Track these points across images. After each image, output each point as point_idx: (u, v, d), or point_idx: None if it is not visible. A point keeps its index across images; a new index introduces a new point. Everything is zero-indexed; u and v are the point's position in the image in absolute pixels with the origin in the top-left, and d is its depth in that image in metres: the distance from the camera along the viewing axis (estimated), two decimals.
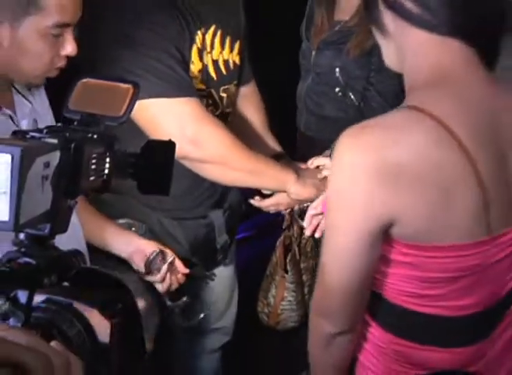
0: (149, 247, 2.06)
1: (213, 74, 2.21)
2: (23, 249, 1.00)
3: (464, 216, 1.28)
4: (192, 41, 2.12)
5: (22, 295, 1.00)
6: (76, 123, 1.07)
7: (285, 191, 2.18)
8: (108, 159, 1.05)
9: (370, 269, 1.32)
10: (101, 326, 1.03)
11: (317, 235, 2.07)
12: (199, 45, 2.14)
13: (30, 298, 0.99)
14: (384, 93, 2.40)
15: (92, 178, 1.03)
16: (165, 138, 1.05)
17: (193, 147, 2.02)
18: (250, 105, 2.43)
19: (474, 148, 1.27)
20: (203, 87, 2.19)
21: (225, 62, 2.24)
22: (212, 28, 2.18)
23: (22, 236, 1.00)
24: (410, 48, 1.33)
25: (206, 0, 2.16)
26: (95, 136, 1.05)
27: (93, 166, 1.02)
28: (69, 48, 1.67)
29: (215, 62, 2.21)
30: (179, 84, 2.04)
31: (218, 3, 2.21)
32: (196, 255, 2.26)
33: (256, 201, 2.26)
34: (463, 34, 1.31)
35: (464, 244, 1.30)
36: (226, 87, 2.25)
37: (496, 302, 1.42)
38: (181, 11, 2.09)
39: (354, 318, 1.36)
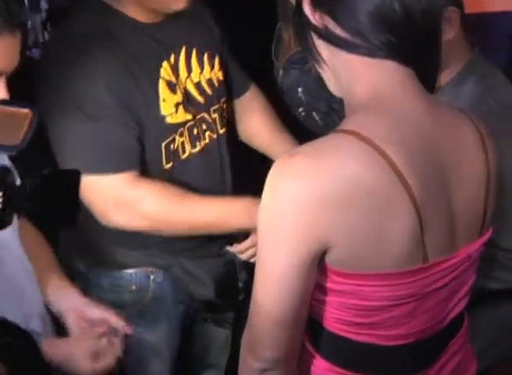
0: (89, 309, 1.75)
1: (199, 98, 2.04)
2: None
3: (398, 243, 1.21)
4: (155, 78, 1.94)
5: None
6: None
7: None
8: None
9: (303, 297, 1.23)
10: None
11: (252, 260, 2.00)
12: (167, 77, 1.96)
13: None
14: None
15: None
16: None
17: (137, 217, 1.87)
18: (253, 112, 2.26)
19: (410, 172, 1.20)
20: (189, 117, 2.00)
21: (208, 81, 2.06)
22: (183, 50, 2.00)
23: None
24: (345, 73, 1.28)
25: (168, 25, 1.97)
26: None
27: None
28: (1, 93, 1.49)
29: (198, 85, 2.04)
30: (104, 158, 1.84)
31: (185, 23, 2.00)
32: (220, 297, 2.11)
33: (233, 248, 2.10)
34: (397, 56, 1.24)
35: (399, 272, 1.22)
36: (216, 107, 2.08)
37: (436, 333, 1.34)
38: (130, 53, 1.90)
39: (285, 353, 1.28)
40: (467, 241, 1.30)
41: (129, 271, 2.05)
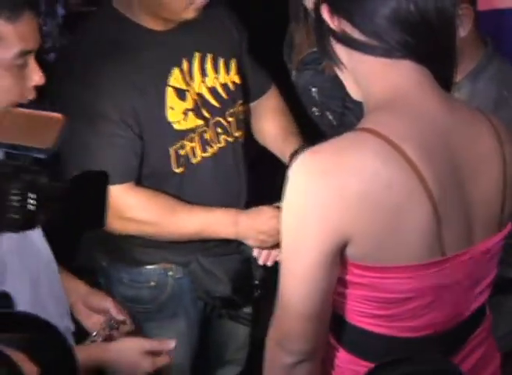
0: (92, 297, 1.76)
1: (214, 102, 2.03)
2: None
3: (415, 236, 1.22)
4: (162, 86, 1.95)
5: None
6: (1, 155, 0.99)
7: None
8: (31, 195, 0.96)
9: (328, 292, 1.25)
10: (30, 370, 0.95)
11: (269, 263, 2.02)
12: (176, 85, 1.96)
13: None
14: (362, 117, 2.26)
15: (16, 216, 0.95)
16: None
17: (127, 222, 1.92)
18: (267, 114, 2.24)
19: (425, 166, 1.21)
20: (200, 122, 2.00)
21: (223, 85, 2.05)
22: (197, 56, 2.00)
23: None
24: (364, 75, 1.30)
25: (181, 32, 1.97)
26: (16, 170, 0.96)
27: (14, 203, 0.94)
28: (36, 77, 1.50)
29: (213, 89, 2.03)
30: None
31: (199, 29, 1.99)
32: (236, 293, 2.10)
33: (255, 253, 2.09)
34: (413, 56, 1.24)
35: (417, 265, 1.24)
36: (231, 110, 2.07)
37: (456, 325, 1.34)
38: (138, 62, 1.91)
39: (315, 345, 1.29)
40: (485, 234, 1.31)
41: (149, 267, 2.09)
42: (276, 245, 2.00)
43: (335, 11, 1.27)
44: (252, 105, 2.22)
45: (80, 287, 1.73)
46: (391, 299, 1.27)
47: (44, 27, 2.64)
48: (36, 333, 0.97)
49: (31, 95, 1.53)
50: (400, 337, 1.31)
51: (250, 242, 2.02)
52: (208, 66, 2.03)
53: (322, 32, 1.31)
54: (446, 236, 1.24)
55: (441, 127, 1.26)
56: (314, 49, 2.38)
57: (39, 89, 2.01)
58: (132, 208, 1.95)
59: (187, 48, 1.99)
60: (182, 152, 1.97)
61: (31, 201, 0.97)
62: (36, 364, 0.95)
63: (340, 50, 1.30)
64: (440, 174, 1.23)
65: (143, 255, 2.07)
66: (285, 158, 2.14)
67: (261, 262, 2.05)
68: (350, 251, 1.23)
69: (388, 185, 1.19)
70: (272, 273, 2.06)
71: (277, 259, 2.03)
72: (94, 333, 1.66)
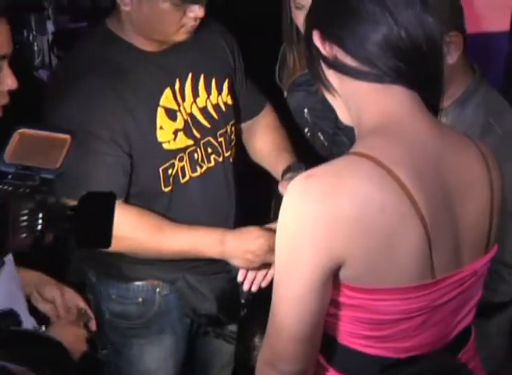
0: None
1: (205, 122, 2.04)
2: None
3: (407, 259, 1.24)
4: (154, 106, 1.95)
5: None
6: (10, 176, 0.99)
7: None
8: (40, 215, 0.97)
9: (320, 314, 1.26)
10: None
11: (253, 289, 2.02)
12: (167, 105, 1.97)
13: None
14: (353, 138, 2.26)
15: (24, 235, 0.96)
16: None
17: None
18: (262, 132, 2.24)
19: (417, 191, 1.23)
20: (191, 142, 2.01)
21: (215, 106, 2.06)
22: (190, 76, 2.01)
23: None
24: (355, 100, 1.31)
25: (174, 52, 1.98)
26: (27, 190, 0.97)
27: (23, 223, 0.95)
28: (9, 81, 1.51)
29: (204, 110, 2.04)
30: None
31: (193, 50, 2.01)
32: (222, 312, 2.11)
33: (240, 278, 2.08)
34: (404, 81, 1.27)
35: (408, 287, 1.25)
36: (222, 130, 2.08)
37: (444, 345, 1.36)
38: (129, 83, 1.92)
39: (306, 366, 1.29)
40: (472, 256, 1.33)
41: (137, 283, 2.09)
42: (262, 266, 2.01)
43: (326, 37, 1.29)
44: (249, 123, 2.23)
45: (34, 277, 1.73)
46: (383, 320, 1.28)
47: (35, 44, 2.65)
48: (39, 350, 0.97)
49: (5, 100, 1.55)
50: (392, 357, 1.32)
51: (236, 262, 2.01)
52: (201, 86, 2.04)
53: (313, 57, 1.33)
54: (436, 259, 1.25)
55: (432, 153, 1.28)
56: (307, 71, 2.41)
57: (34, 108, 2.02)
58: (122, 226, 1.90)
59: (180, 68, 2.00)
60: (171, 172, 1.98)
61: (40, 221, 0.98)
62: None
63: (332, 76, 1.31)
64: (431, 198, 1.24)
65: (131, 272, 2.07)
66: (277, 174, 2.15)
67: (245, 287, 2.04)
68: (342, 273, 1.24)
69: (381, 208, 1.20)
70: (259, 292, 2.09)
71: (262, 285, 2.04)
72: None
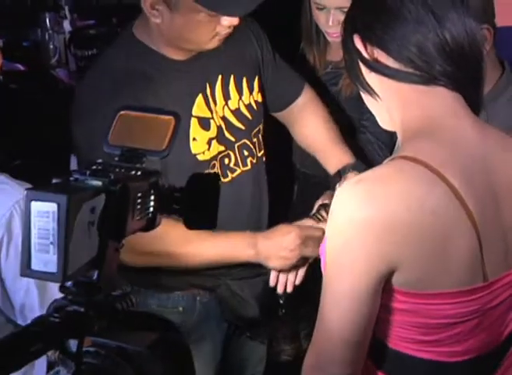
0: None
1: (239, 125, 1.97)
2: (69, 296, 0.89)
3: (460, 263, 1.22)
4: (187, 117, 1.85)
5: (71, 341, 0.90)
6: (117, 158, 0.96)
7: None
8: (152, 197, 0.94)
9: (371, 317, 1.24)
10: (153, 368, 0.93)
11: (289, 290, 1.97)
12: (200, 114, 1.89)
13: (80, 347, 0.89)
14: (378, 134, 2.20)
15: (138, 218, 0.92)
16: None
17: None
18: (307, 118, 2.14)
19: (468, 193, 1.21)
20: (222, 148, 1.93)
21: (248, 106, 1.99)
22: (220, 79, 1.94)
23: (69, 283, 0.89)
24: (398, 103, 1.29)
25: (202, 58, 1.89)
26: (139, 173, 0.94)
27: (138, 206, 0.92)
28: None
29: (237, 111, 1.97)
30: None
31: (220, 51, 1.90)
32: (263, 314, 2.08)
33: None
34: (447, 82, 1.25)
35: (460, 291, 1.23)
36: (255, 130, 2.01)
37: (494, 347, 1.34)
38: (161, 95, 1.83)
39: (355, 369, 1.26)
40: None
41: (177, 293, 2.02)
42: (300, 262, 1.95)
43: (367, 40, 1.28)
44: (289, 108, 2.15)
45: None
46: (436, 325, 1.26)
47: (51, 43, 2.60)
48: (153, 330, 0.95)
49: None
50: (447, 361, 1.30)
51: (272, 264, 1.93)
52: (231, 87, 1.97)
53: (353, 62, 1.30)
54: (487, 261, 1.24)
55: (477, 153, 1.26)
56: (328, 70, 2.38)
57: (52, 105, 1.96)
58: (149, 243, 1.77)
59: (210, 72, 1.93)
60: None
61: (152, 204, 0.95)
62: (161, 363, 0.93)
63: (373, 79, 1.29)
64: (480, 200, 1.23)
65: (170, 281, 2.00)
66: (330, 169, 2.08)
67: (280, 290, 1.98)
68: (395, 279, 1.22)
69: (433, 212, 1.18)
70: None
71: (296, 283, 1.99)
72: None
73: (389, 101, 1.29)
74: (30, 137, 2.32)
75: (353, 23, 1.32)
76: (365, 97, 1.34)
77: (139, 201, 0.92)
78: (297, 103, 2.15)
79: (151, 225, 0.96)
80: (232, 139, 1.96)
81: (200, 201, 0.98)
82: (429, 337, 1.27)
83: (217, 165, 1.93)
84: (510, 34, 2.35)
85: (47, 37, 2.57)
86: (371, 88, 1.30)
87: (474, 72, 1.27)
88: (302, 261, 1.95)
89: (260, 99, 2.04)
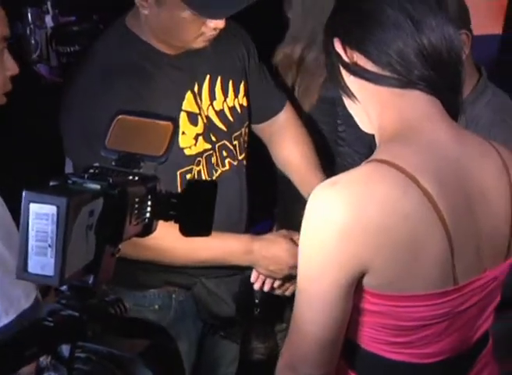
0: None
1: (221, 126, 1.98)
2: (63, 300, 0.88)
3: (431, 266, 1.23)
4: (176, 110, 1.88)
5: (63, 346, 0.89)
6: (113, 163, 0.95)
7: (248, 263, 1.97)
8: (149, 202, 0.93)
9: (344, 318, 1.25)
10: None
11: (265, 288, 1.99)
12: (189, 109, 1.91)
13: (73, 352, 0.88)
14: (357, 146, 2.18)
15: (135, 223, 0.92)
16: None
17: None
18: (284, 138, 2.14)
19: (441, 198, 1.22)
20: (208, 146, 1.95)
21: (231, 108, 2.00)
22: (207, 78, 1.95)
23: (64, 287, 0.88)
24: (376, 106, 1.30)
25: (193, 55, 1.90)
26: (136, 178, 0.93)
27: (135, 211, 0.91)
28: (11, 66, 1.51)
29: (221, 113, 1.98)
30: None
31: (210, 52, 1.92)
32: (238, 313, 2.08)
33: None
34: (425, 86, 1.26)
35: (431, 294, 1.24)
36: (237, 133, 2.02)
37: (465, 350, 1.36)
38: (152, 87, 1.84)
39: (328, 370, 1.28)
40: (493, 262, 1.33)
41: (152, 291, 2.02)
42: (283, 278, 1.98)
43: (347, 44, 1.29)
44: (267, 124, 2.16)
45: None
46: (406, 327, 1.27)
47: (32, 37, 2.57)
48: (146, 336, 0.94)
49: (9, 86, 1.53)
50: (418, 363, 1.31)
51: (259, 269, 1.97)
52: (217, 88, 1.98)
53: (334, 65, 1.32)
54: (458, 265, 1.25)
55: (452, 157, 1.27)
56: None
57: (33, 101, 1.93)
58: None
59: (199, 71, 1.94)
60: (188, 176, 1.91)
61: (148, 209, 0.94)
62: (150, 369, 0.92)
63: (352, 82, 1.30)
64: (454, 204, 1.24)
65: (146, 279, 2.00)
66: (305, 191, 2.08)
67: (256, 286, 2.01)
68: (366, 280, 1.22)
69: (406, 216, 1.19)
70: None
71: (275, 286, 2.01)
72: None
73: (368, 104, 1.31)
74: (12, 132, 2.30)
75: (333, 27, 1.33)
76: (345, 100, 1.35)
77: (136, 206, 0.91)
78: (277, 119, 2.15)
79: (147, 230, 0.95)
80: (214, 139, 1.97)
81: (196, 208, 0.98)
82: (400, 339, 1.28)
83: (202, 162, 1.94)
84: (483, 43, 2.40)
85: (28, 31, 2.54)
86: (351, 91, 1.31)
87: (452, 77, 1.28)
88: (288, 277, 1.98)
89: (245, 103, 2.04)
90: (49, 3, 2.59)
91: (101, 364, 0.91)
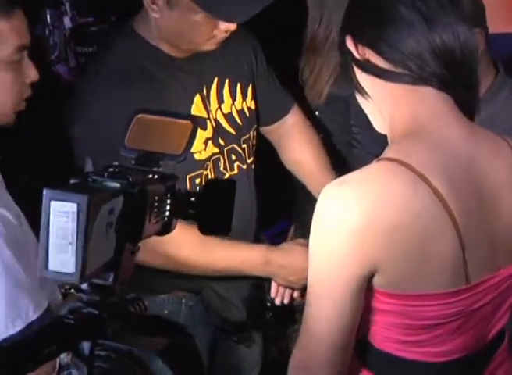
0: None
1: (230, 129, 1.97)
2: (84, 298, 0.89)
3: (442, 265, 1.22)
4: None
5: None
6: (133, 162, 0.96)
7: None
8: (168, 201, 0.94)
9: (355, 318, 1.24)
10: (163, 373, 0.93)
11: (285, 301, 1.98)
12: (198, 113, 1.89)
13: (93, 350, 0.88)
14: (370, 146, 2.07)
15: (154, 221, 0.92)
16: None
17: None
18: (293, 140, 2.13)
19: (451, 196, 1.21)
20: (216, 150, 1.93)
21: (240, 111, 1.98)
22: (215, 81, 1.94)
23: (84, 285, 0.89)
24: (387, 103, 1.29)
25: (201, 58, 1.89)
26: (156, 176, 0.94)
27: (155, 209, 0.91)
28: (32, 73, 1.52)
29: (229, 116, 1.96)
30: None
31: (218, 55, 1.90)
32: (250, 317, 2.05)
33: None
34: (437, 83, 1.25)
35: (443, 293, 1.24)
36: (246, 136, 2.00)
37: (480, 348, 1.35)
38: (161, 91, 1.84)
39: (340, 369, 1.27)
40: (507, 260, 1.32)
41: (162, 296, 2.01)
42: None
43: (359, 41, 1.29)
44: (275, 125, 2.14)
45: None
46: (417, 326, 1.26)
47: (51, 39, 2.59)
48: (165, 334, 0.94)
49: (28, 92, 1.54)
50: (431, 361, 1.31)
51: (277, 280, 1.96)
52: (225, 91, 1.97)
53: (347, 63, 1.32)
54: (470, 264, 1.24)
55: (463, 155, 1.27)
56: None
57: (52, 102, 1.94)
58: (165, 243, 1.76)
59: (206, 73, 1.93)
60: (198, 181, 1.90)
61: (168, 207, 0.94)
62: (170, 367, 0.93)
63: (365, 79, 1.30)
64: (465, 202, 1.23)
65: (155, 284, 1.98)
66: (318, 193, 2.09)
67: (277, 301, 1.99)
68: (377, 279, 1.22)
69: (417, 215, 1.18)
70: None
71: (294, 296, 2.00)
72: None
73: (380, 102, 1.30)
74: (31, 132, 2.31)
75: (347, 25, 1.33)
76: (359, 98, 1.35)
77: (156, 204, 0.91)
78: (285, 121, 2.14)
79: (166, 229, 0.95)
80: (223, 143, 1.96)
81: (215, 206, 0.98)
82: (412, 338, 1.28)
83: (210, 166, 1.93)
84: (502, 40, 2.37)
85: (47, 32, 2.56)
86: (363, 89, 1.31)
87: (466, 76, 1.27)
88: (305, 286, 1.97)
89: (253, 106, 2.03)
90: (67, 4, 2.61)
91: (120, 362, 0.91)
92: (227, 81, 1.97)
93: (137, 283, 1.90)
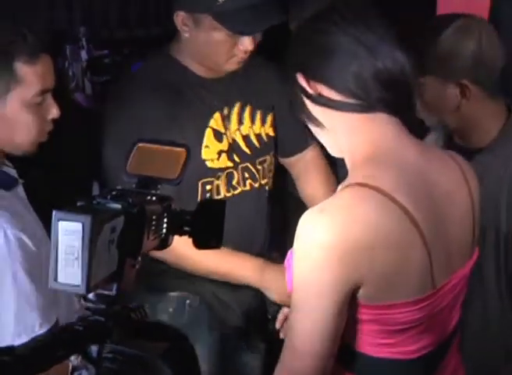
0: None
1: (246, 149, 2.10)
2: (91, 307, 1.00)
3: (414, 274, 1.31)
4: (203, 126, 2.02)
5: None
6: (134, 185, 1.07)
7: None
8: (165, 219, 1.05)
9: (339, 330, 1.31)
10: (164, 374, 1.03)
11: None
12: (215, 127, 2.04)
13: (101, 353, 0.99)
14: None
15: (152, 238, 1.03)
16: None
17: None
18: (309, 175, 2.26)
19: (416, 210, 1.29)
20: (231, 164, 2.06)
21: (257, 135, 2.11)
22: (237, 105, 2.08)
23: (91, 295, 1.00)
24: (344, 131, 1.36)
25: (226, 81, 2.04)
26: (154, 198, 1.05)
27: (153, 227, 1.02)
28: (54, 110, 1.61)
29: (246, 137, 2.10)
30: None
31: (243, 81, 2.07)
32: (250, 325, 2.13)
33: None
34: (385, 108, 1.33)
35: (414, 300, 1.32)
36: (262, 158, 2.12)
37: (443, 341, 1.45)
38: (183, 102, 1.98)
39: None
40: (462, 261, 1.42)
41: (167, 295, 2.10)
42: None
43: (310, 77, 1.35)
44: (292, 159, 2.25)
45: None
46: (392, 330, 1.35)
47: (70, 70, 2.74)
48: (165, 339, 1.04)
49: (50, 127, 1.64)
50: (403, 359, 1.40)
51: (271, 296, 2.03)
52: (246, 115, 2.10)
53: (298, 97, 1.38)
54: (435, 269, 1.33)
55: (419, 171, 1.35)
56: None
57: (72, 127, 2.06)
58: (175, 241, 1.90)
59: (230, 96, 2.07)
60: (209, 188, 2.02)
61: (165, 225, 1.05)
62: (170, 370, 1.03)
63: (318, 112, 1.36)
64: (426, 213, 1.32)
65: (161, 283, 2.09)
66: None
67: (278, 326, 1.98)
68: (358, 294, 1.30)
69: (390, 232, 1.27)
70: None
71: None
72: None
73: (336, 131, 1.37)
74: (50, 156, 2.44)
75: (294, 62, 1.39)
76: (313, 128, 1.42)
77: (154, 222, 1.02)
78: (304, 156, 2.25)
79: (163, 244, 1.06)
80: (237, 160, 2.07)
81: (207, 224, 1.09)
82: (387, 341, 1.37)
83: (222, 177, 2.04)
84: None
85: (66, 65, 2.72)
86: (317, 120, 1.38)
87: (407, 97, 1.35)
88: None
89: (271, 133, 2.15)
90: (84, 39, 2.77)
91: (126, 363, 1.02)
92: (248, 107, 2.10)
93: (144, 281, 2.02)
